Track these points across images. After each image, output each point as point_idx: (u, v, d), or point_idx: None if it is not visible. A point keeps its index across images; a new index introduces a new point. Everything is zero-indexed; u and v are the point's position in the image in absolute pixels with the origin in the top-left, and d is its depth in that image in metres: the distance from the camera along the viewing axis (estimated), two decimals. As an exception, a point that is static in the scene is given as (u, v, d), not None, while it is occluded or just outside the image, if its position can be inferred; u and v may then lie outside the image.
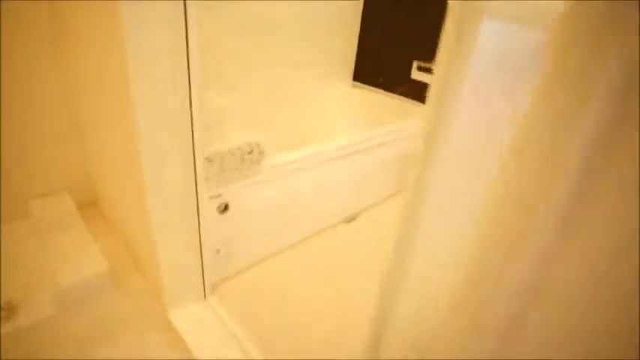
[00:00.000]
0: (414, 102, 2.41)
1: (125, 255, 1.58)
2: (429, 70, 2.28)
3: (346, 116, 2.65)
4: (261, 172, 1.30)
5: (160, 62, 0.88)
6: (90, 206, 1.85)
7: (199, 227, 1.19)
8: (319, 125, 2.54)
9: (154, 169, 1.00)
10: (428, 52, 2.26)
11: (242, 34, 1.93)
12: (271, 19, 2.02)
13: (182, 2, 0.84)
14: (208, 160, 1.10)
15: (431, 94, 0.45)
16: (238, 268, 1.50)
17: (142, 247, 1.38)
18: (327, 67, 2.54)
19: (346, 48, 2.60)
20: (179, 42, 0.88)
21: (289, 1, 2.04)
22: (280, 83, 2.27)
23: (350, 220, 1.96)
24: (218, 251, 1.34)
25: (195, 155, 1.03)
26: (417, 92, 2.39)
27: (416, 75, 2.37)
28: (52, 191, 1.73)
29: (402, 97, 2.49)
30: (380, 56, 2.53)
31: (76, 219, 1.62)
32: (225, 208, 1.26)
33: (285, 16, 2.08)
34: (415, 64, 2.34)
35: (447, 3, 0.41)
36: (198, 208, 1.14)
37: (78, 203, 1.77)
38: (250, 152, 1.19)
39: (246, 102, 2.12)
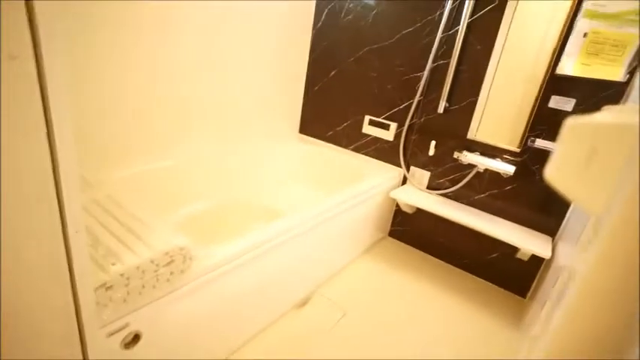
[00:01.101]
0: (365, 157, 2.24)
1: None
2: (380, 125, 2.13)
3: (293, 175, 2.39)
4: (189, 282, 0.96)
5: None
6: None
7: (91, 378, 0.81)
8: (265, 184, 2.25)
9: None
10: (378, 107, 2.12)
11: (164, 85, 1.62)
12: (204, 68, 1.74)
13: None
14: (105, 287, 0.75)
15: None
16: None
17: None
18: (272, 120, 2.28)
19: (292, 99, 2.38)
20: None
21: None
22: (220, 140, 1.96)
23: (302, 304, 1.65)
24: (124, 395, 0.95)
25: (77, 288, 0.68)
26: (368, 147, 2.23)
27: (367, 129, 2.21)
28: None
29: (353, 152, 2.30)
30: (328, 109, 2.34)
31: None
32: (135, 339, 0.89)
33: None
34: (367, 118, 2.18)
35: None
36: (85, 354, 0.77)
37: None
38: (170, 263, 0.86)
39: (182, 170, 1.76)
